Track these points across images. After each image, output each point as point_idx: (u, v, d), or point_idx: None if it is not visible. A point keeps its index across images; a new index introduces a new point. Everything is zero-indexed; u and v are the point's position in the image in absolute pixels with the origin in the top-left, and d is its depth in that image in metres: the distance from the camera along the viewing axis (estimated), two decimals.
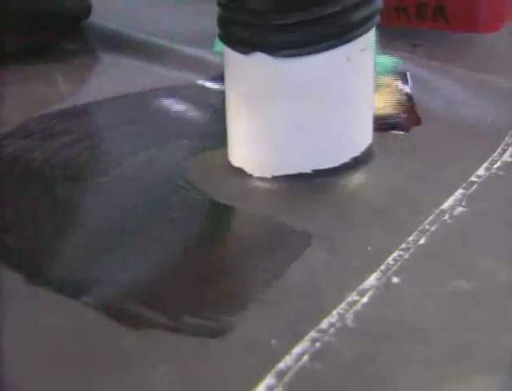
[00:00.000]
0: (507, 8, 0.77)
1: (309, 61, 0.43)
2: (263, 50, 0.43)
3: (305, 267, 0.37)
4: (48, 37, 0.70)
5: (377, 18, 0.45)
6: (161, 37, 0.71)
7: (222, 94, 0.47)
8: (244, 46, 0.43)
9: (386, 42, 0.58)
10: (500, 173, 0.45)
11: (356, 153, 0.46)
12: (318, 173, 0.45)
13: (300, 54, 0.42)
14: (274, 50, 0.42)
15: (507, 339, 0.32)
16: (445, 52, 0.66)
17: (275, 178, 0.45)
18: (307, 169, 0.45)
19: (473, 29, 0.71)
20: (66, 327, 0.34)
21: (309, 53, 0.42)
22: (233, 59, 0.45)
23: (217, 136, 0.50)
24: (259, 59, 0.43)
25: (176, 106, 0.58)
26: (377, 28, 0.45)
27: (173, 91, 0.60)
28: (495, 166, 0.46)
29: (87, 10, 0.72)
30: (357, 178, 0.46)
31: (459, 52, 0.67)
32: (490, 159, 0.47)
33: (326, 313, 0.34)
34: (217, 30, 0.46)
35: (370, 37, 0.45)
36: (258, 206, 0.43)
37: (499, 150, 0.48)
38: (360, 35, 0.43)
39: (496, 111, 0.54)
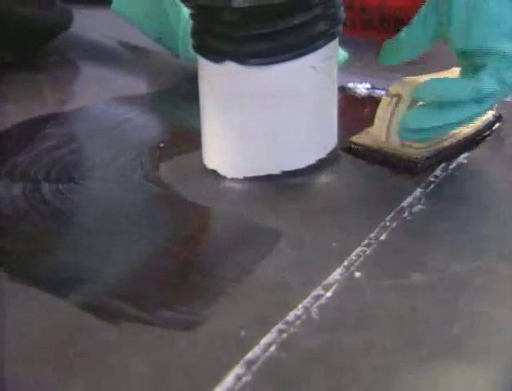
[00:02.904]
0: None
1: (277, 69, 0.43)
2: (234, 59, 0.43)
3: (273, 263, 0.37)
4: (31, 49, 0.70)
5: (341, 28, 0.45)
6: (137, 46, 0.72)
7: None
8: (217, 55, 0.44)
9: (353, 52, 0.59)
10: (456, 173, 0.46)
11: (322, 155, 0.46)
12: (286, 174, 0.45)
13: (268, 63, 0.43)
14: (244, 59, 0.43)
15: (459, 327, 0.32)
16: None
17: (246, 179, 0.45)
18: (277, 171, 0.45)
19: None
20: (47, 321, 0.34)
21: (277, 62, 0.43)
22: (206, 68, 0.45)
23: (192, 140, 0.49)
24: (230, 67, 0.43)
25: (151, 112, 0.58)
26: (344, 39, 0.46)
27: (148, 99, 0.60)
28: (451, 167, 0.46)
29: (68, 21, 0.72)
30: (323, 179, 0.46)
31: (421, 60, 0.67)
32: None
33: (292, 306, 0.34)
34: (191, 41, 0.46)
35: (334, 47, 0.45)
36: (230, 206, 0.44)
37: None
38: (325, 45, 0.43)
39: None
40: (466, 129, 0.48)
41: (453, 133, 0.47)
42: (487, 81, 0.41)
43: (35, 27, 0.68)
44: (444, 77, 0.44)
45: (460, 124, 0.44)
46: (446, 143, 0.47)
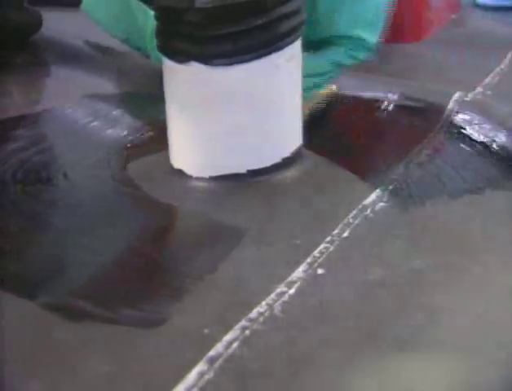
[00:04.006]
0: (429, 20, 0.78)
1: (240, 69, 0.43)
2: (198, 60, 0.42)
3: (237, 261, 0.37)
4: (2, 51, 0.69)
5: (303, 29, 0.45)
6: (107, 46, 0.71)
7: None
8: (181, 56, 0.43)
9: None
10: (417, 172, 0.46)
11: (287, 154, 0.46)
12: (252, 173, 0.45)
13: (232, 63, 0.42)
14: (208, 59, 0.42)
15: (418, 321, 0.32)
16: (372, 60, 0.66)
17: (212, 179, 0.45)
18: (242, 170, 0.45)
19: (398, 39, 0.72)
20: (10, 322, 0.33)
21: (240, 62, 0.42)
22: (171, 68, 0.44)
23: (159, 140, 0.49)
24: (194, 67, 0.43)
25: (119, 113, 0.57)
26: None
27: (117, 99, 0.60)
28: (412, 166, 0.47)
29: (38, 23, 0.71)
30: (287, 177, 0.46)
31: (384, 60, 0.67)
32: (407, 157, 0.47)
33: (256, 303, 0.34)
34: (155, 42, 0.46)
35: (297, 47, 0.45)
36: (195, 204, 0.43)
37: (415, 150, 0.48)
38: (287, 45, 0.43)
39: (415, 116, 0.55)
40: None
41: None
42: (343, 56, 0.50)
43: (8, 29, 0.68)
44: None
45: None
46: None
